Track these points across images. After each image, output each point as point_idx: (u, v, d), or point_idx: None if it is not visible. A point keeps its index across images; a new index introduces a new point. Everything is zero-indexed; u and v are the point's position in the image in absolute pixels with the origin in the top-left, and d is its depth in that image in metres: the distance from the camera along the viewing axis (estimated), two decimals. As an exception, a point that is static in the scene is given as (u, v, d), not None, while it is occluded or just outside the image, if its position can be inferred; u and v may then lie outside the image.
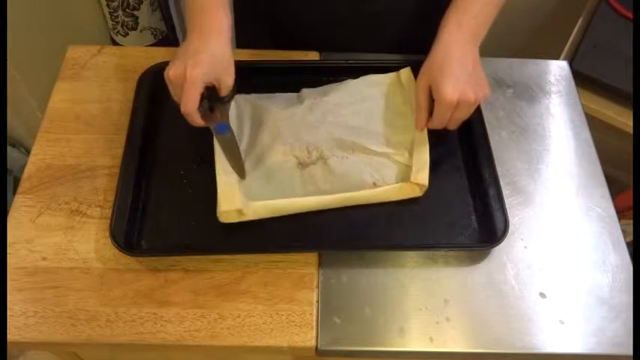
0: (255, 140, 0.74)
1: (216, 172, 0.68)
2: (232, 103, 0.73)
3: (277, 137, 0.73)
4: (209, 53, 0.64)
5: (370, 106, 0.77)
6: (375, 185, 0.70)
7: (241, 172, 0.69)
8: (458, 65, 0.68)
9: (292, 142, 0.72)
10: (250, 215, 0.66)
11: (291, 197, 0.68)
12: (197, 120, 0.65)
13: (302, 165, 0.71)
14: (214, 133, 0.69)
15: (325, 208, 0.68)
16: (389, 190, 0.69)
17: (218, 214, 0.66)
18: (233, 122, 0.74)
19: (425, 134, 0.72)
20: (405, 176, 0.70)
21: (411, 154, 0.72)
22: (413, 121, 0.73)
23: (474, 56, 0.70)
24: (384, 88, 0.79)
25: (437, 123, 0.70)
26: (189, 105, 0.63)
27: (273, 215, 0.68)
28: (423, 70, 0.71)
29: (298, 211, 0.68)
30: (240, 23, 0.89)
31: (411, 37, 0.85)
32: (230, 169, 0.69)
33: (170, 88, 0.66)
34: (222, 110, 0.68)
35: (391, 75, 0.80)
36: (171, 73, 0.64)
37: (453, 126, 0.71)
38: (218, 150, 0.70)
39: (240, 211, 0.65)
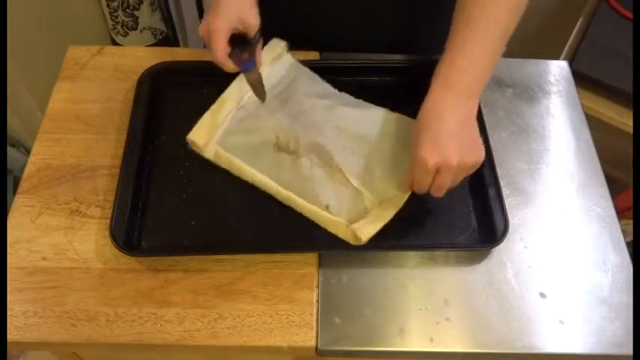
0: (268, 104, 0.75)
1: (211, 107, 0.73)
2: (285, 66, 0.78)
3: (278, 112, 0.74)
4: (227, 1, 0.66)
5: (376, 139, 0.73)
6: (327, 208, 0.67)
7: (262, 98, 0.74)
8: (440, 125, 0.60)
9: (283, 124, 0.73)
10: (209, 155, 0.71)
11: (252, 167, 0.70)
12: (229, 66, 0.67)
13: (277, 147, 0.72)
14: (243, 73, 0.72)
15: (276, 197, 0.69)
16: (330, 220, 0.66)
17: (187, 138, 0.72)
18: (270, 77, 0.77)
19: (404, 198, 0.67)
20: (356, 219, 0.66)
21: (380, 203, 0.68)
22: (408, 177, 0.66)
23: (465, 115, 0.62)
24: (403, 131, 0.73)
25: (417, 188, 0.63)
26: (218, 53, 0.66)
27: (228, 170, 0.71)
28: (413, 130, 0.64)
29: (252, 184, 0.70)
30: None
31: (412, 36, 0.86)
32: (221, 113, 0.73)
33: (207, 45, 0.68)
34: (252, 52, 0.70)
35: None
36: (200, 31, 0.67)
37: (436, 193, 0.62)
38: (225, 93, 0.74)
39: (201, 147, 0.71)
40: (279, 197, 0.69)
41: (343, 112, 0.75)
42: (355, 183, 0.69)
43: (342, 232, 0.66)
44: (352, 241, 0.66)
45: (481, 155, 0.62)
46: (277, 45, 0.77)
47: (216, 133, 0.72)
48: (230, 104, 0.74)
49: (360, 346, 0.62)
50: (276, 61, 0.78)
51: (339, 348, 0.62)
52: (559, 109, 0.82)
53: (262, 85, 0.73)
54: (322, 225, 0.68)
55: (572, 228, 0.71)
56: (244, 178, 0.70)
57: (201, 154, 0.72)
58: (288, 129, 0.72)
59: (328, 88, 0.78)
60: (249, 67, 0.70)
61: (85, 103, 0.79)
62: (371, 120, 0.75)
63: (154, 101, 0.78)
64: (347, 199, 0.68)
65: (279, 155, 0.71)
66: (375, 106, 0.76)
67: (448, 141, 0.60)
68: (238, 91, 0.75)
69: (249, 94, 0.75)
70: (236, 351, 0.62)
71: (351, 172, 0.69)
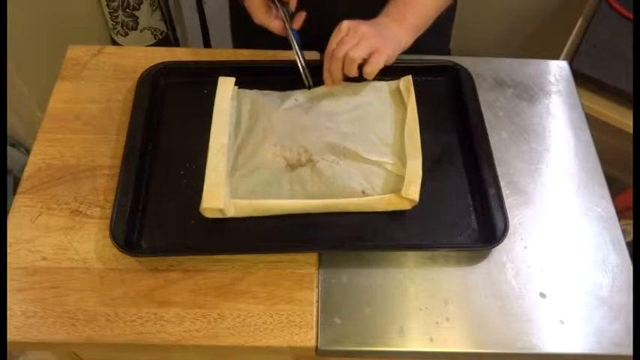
0: (249, 136, 0.73)
1: (207, 169, 0.68)
2: (244, 97, 0.77)
3: (270, 136, 0.73)
4: None
5: (366, 113, 0.76)
6: (364, 194, 0.68)
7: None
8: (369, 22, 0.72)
9: (283, 143, 0.72)
10: (232, 214, 0.67)
11: (278, 198, 0.68)
12: (274, 25, 0.76)
13: (291, 166, 0.71)
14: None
15: (310, 212, 0.68)
16: (376, 200, 0.68)
17: (201, 210, 0.66)
18: (232, 115, 0.74)
19: (417, 145, 0.71)
20: (395, 186, 0.69)
21: (403, 163, 0.70)
22: (408, 130, 0.73)
23: (395, 30, 0.73)
24: (383, 95, 0.78)
25: (328, 49, 0.72)
26: (257, 16, 0.76)
27: (257, 215, 0.68)
28: None
29: (281, 213, 0.68)
30: (239, 24, 0.89)
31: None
32: (220, 168, 0.68)
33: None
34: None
35: (392, 82, 0.79)
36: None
37: (348, 63, 0.70)
38: (211, 150, 0.70)
39: (221, 210, 0.66)
40: (319, 211, 0.68)
41: (324, 106, 0.76)
42: (374, 157, 0.71)
43: (392, 205, 0.68)
44: (405, 207, 0.68)
45: (386, 47, 0.70)
46: (229, 81, 0.76)
47: (225, 190, 0.67)
48: (222, 155, 0.70)
49: (360, 346, 0.62)
50: (234, 97, 0.76)
51: (339, 348, 0.62)
52: (559, 109, 0.82)
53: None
54: (369, 210, 0.68)
55: (572, 228, 0.71)
56: (276, 213, 0.67)
57: (219, 216, 0.67)
58: (291, 145, 0.72)
59: (287, 93, 0.78)
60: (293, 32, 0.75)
61: (85, 103, 0.79)
62: (349, 99, 0.77)
63: (154, 101, 0.78)
64: (375, 176, 0.70)
65: (295, 173, 0.70)
66: (343, 85, 0.77)
67: (366, 24, 0.71)
68: (221, 132, 0.71)
69: (231, 127, 0.73)
70: (236, 351, 0.62)
71: (366, 150, 0.71)
